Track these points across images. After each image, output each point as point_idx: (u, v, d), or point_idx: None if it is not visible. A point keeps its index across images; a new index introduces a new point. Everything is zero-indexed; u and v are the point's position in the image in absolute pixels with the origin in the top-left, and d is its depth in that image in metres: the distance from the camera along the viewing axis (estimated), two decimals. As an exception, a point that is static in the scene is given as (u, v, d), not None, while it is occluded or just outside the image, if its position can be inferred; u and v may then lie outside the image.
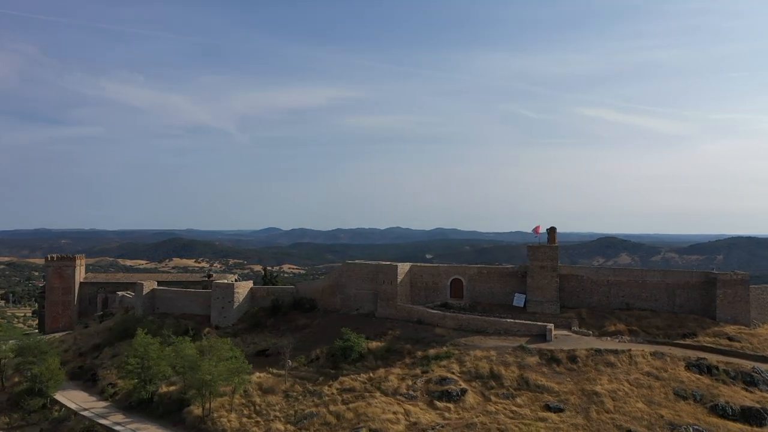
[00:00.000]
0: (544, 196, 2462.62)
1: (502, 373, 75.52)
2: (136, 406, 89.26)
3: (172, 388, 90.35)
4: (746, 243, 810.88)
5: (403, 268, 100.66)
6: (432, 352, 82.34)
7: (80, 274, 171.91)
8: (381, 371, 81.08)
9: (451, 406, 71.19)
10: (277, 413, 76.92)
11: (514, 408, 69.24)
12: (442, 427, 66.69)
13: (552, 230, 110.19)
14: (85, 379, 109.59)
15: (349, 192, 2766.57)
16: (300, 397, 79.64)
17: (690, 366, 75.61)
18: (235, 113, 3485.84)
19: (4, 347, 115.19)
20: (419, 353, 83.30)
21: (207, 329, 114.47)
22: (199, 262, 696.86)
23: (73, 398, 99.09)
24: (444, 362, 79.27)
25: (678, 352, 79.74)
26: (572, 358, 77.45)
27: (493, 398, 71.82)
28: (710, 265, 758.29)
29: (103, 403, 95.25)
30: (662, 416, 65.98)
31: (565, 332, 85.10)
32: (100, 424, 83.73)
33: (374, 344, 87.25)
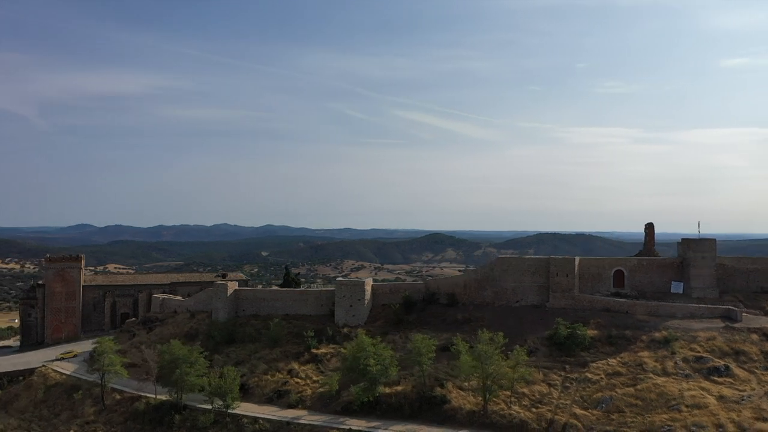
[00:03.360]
0: (371, 194, 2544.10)
1: (744, 349, 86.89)
2: (359, 409, 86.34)
3: (398, 388, 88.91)
4: (551, 238, 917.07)
5: (577, 261, 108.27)
6: (657, 335, 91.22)
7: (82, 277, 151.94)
8: (625, 355, 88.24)
9: (728, 380, 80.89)
10: (560, 401, 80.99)
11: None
12: (750, 396, 76.30)
13: (650, 227, 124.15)
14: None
15: (170, 187, 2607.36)
16: (567, 384, 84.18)
17: None
18: (36, 96, 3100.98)
19: (106, 362, 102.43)
20: (644, 337, 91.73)
21: (346, 329, 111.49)
22: (7, 263, 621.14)
23: (247, 409, 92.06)
24: (677, 344, 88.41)
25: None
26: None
27: (756, 371, 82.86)
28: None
29: (299, 411, 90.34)
30: None
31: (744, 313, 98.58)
32: None
33: (589, 332, 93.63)
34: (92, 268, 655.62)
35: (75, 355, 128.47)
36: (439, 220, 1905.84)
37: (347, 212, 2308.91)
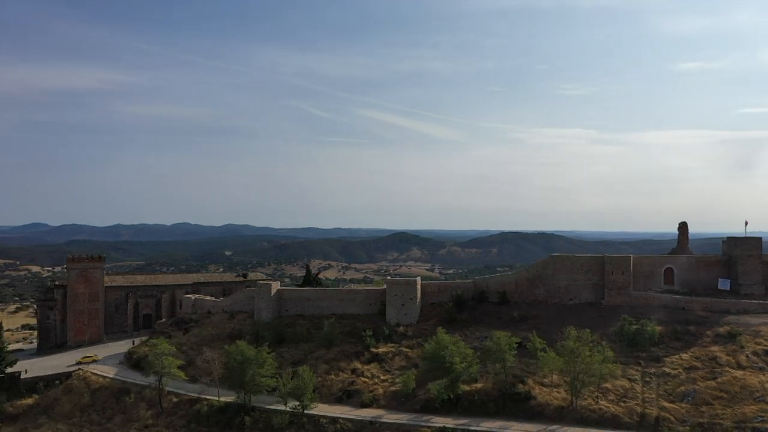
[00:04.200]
0: (334, 193, 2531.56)
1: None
2: (440, 407, 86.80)
3: (478, 385, 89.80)
4: (514, 237, 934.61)
5: (632, 258, 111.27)
6: (721, 330, 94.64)
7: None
8: (695, 350, 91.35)
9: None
10: (645, 395, 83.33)
11: None
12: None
13: (683, 226, 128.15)
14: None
15: (128, 185, 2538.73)
16: (647, 378, 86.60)
17: None
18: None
19: (165, 363, 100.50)
20: (708, 332, 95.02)
21: (403, 327, 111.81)
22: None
23: (319, 410, 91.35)
24: (743, 338, 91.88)
25: None
26: None
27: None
28: (487, 257, 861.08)
29: (375, 411, 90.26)
30: None
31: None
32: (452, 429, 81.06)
33: (657, 328, 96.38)
34: (50, 269, 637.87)
35: (94, 360, 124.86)
36: (403, 219, 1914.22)
37: (310, 211, 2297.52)
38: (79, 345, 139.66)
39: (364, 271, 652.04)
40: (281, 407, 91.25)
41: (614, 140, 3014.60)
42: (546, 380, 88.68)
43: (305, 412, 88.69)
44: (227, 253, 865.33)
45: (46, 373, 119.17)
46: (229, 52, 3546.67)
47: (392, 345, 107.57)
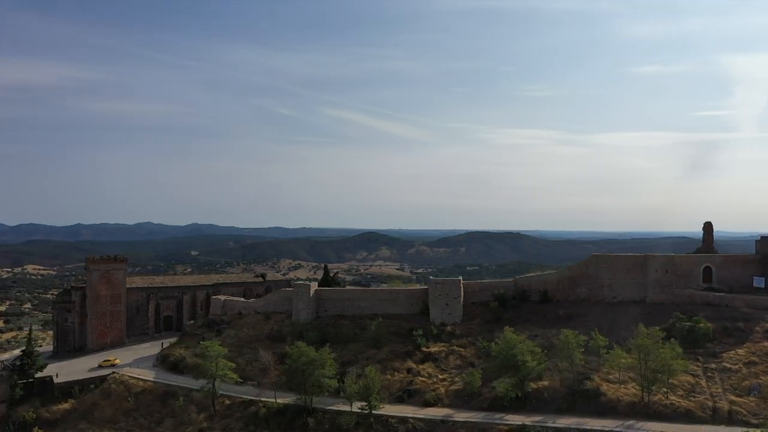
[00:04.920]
0: (300, 192, 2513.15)
1: None
2: (509, 405, 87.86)
3: (544, 383, 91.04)
4: (482, 237, 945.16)
5: (672, 257, 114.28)
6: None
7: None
8: (749, 345, 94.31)
9: None
10: (711, 389, 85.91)
11: None
12: None
13: (708, 225, 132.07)
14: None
15: (88, 183, 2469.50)
16: (709, 374, 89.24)
17: None
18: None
19: (221, 365, 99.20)
20: (757, 328, 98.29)
21: (450, 327, 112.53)
22: None
23: (384, 410, 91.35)
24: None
25: None
26: None
27: None
28: (456, 256, 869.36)
29: (440, 410, 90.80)
30: None
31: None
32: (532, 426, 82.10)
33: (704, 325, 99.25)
34: (9, 270, 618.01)
35: (114, 364, 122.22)
36: (371, 219, 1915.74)
37: (276, 210, 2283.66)
38: (101, 348, 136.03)
39: (335, 270, 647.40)
40: (344, 408, 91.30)
41: (577, 141, 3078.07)
42: (611, 377, 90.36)
43: (373, 412, 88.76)
44: (193, 253, 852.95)
45: (80, 377, 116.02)
46: (191, 48, 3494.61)
47: (442, 344, 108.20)
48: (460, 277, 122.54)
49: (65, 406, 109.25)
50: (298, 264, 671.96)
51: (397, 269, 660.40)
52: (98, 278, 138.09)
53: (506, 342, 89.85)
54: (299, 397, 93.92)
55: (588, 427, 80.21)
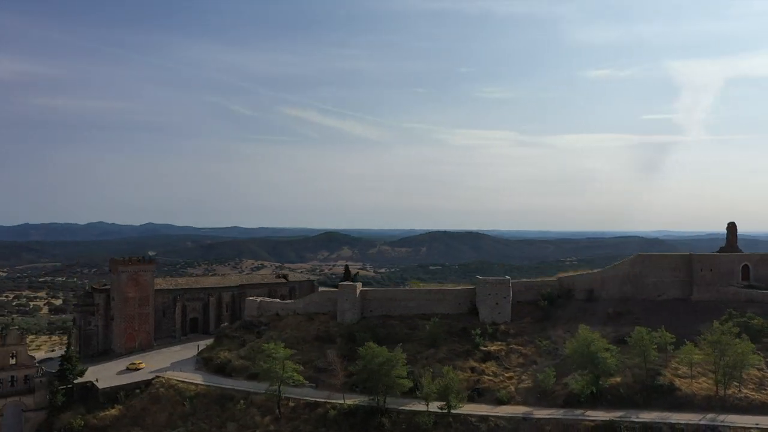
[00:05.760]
0: (258, 191, 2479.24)
1: None
2: (585, 401, 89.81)
3: (617, 379, 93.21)
4: (442, 237, 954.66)
5: (715, 256, 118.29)
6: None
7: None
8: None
9: None
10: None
11: None
12: None
13: (732, 225, 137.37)
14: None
15: (37, 182, 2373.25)
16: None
17: None
18: None
19: (288, 373, 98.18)
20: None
21: (503, 326, 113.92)
22: None
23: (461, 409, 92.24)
24: None
25: None
26: None
27: None
28: (417, 256, 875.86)
29: (516, 407, 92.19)
30: None
31: None
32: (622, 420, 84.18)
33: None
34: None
35: (139, 368, 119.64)
36: (331, 218, 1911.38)
37: (234, 210, 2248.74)
38: (130, 352, 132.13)
39: (299, 270, 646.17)
40: (417, 407, 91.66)
41: (533, 143, 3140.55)
42: (680, 372, 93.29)
43: (452, 411, 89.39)
44: (151, 253, 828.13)
45: (123, 382, 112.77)
46: (149, 44, 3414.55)
47: (499, 343, 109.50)
48: (509, 277, 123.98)
49: (113, 412, 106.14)
50: (261, 264, 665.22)
51: (359, 269, 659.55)
52: (126, 280, 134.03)
53: (582, 339, 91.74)
54: (372, 397, 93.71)
55: (673, 421, 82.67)
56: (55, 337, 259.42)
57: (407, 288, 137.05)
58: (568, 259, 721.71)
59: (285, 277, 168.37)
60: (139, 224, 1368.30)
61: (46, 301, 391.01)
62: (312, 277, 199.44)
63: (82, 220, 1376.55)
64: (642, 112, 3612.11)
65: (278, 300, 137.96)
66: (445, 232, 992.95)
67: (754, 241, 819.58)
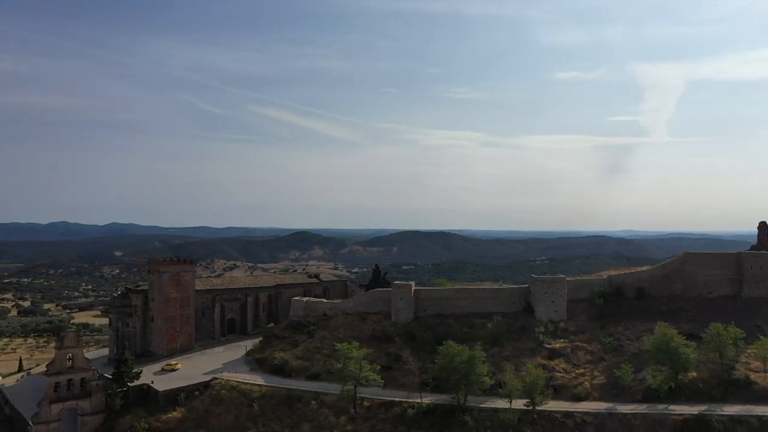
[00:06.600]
0: (226, 191, 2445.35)
1: None
2: (664, 395, 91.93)
3: (693, 374, 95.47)
4: (413, 236, 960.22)
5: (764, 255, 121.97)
6: None
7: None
8: None
9: None
10: None
11: None
12: None
13: (763, 225, 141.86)
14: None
15: None
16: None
17: None
18: None
19: (365, 372, 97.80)
20: None
21: (562, 324, 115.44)
22: None
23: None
24: None
25: None
26: None
27: None
28: (389, 255, 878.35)
29: (594, 403, 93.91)
30: None
31: None
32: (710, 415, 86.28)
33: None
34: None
35: (174, 370, 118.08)
36: (301, 218, 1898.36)
37: (201, 210, 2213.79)
38: (171, 353, 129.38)
39: (272, 270, 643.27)
40: (498, 404, 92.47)
41: (502, 143, 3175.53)
42: (752, 366, 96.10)
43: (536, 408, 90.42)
44: (117, 253, 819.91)
45: (182, 384, 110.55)
46: (112, 40, 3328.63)
47: (562, 341, 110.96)
48: (563, 276, 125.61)
49: (175, 414, 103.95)
50: (234, 264, 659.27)
51: (331, 269, 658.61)
52: (168, 281, 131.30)
53: (661, 335, 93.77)
54: (452, 396, 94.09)
55: (759, 413, 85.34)
56: (30, 340, 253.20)
57: (461, 287, 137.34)
58: (539, 258, 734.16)
59: (317, 276, 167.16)
60: (103, 224, 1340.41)
61: (14, 302, 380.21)
62: (342, 278, 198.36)
63: (44, 220, 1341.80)
64: (608, 114, 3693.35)
65: (324, 300, 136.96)
66: (416, 232, 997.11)
67: (718, 240, 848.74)
